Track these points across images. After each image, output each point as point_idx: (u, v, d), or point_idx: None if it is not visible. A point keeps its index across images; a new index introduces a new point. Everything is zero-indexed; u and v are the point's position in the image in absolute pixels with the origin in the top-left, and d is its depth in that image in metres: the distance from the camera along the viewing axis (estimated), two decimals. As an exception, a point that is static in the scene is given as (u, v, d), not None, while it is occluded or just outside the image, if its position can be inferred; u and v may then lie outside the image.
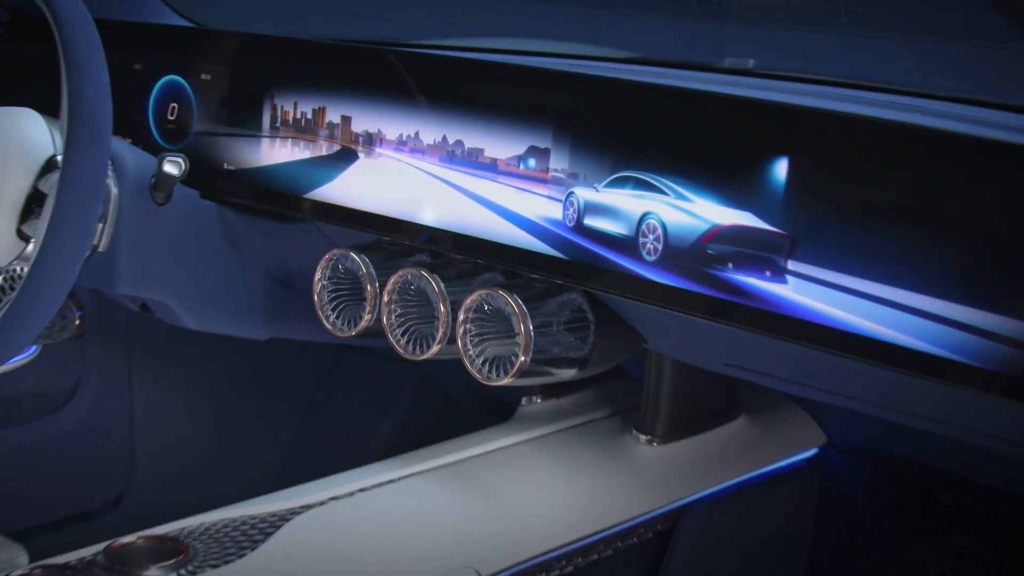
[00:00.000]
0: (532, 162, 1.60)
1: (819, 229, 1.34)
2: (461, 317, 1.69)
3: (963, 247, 1.25)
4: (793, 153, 1.37)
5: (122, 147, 1.85)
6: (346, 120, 1.81)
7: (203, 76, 2.00)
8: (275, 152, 1.90)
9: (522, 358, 1.65)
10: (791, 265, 1.36)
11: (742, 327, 1.43)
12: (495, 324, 1.70)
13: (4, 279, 1.85)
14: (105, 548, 1.58)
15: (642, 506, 1.90)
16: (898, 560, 2.08)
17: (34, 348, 2.38)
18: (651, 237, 1.48)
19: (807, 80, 1.67)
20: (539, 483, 1.86)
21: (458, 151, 1.68)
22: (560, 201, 1.57)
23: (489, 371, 1.69)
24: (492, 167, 1.64)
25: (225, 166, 1.96)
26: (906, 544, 2.07)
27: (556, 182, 1.58)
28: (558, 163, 1.57)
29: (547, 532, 1.80)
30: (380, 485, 1.77)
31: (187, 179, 1.84)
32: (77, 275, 1.60)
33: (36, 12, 1.67)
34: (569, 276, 1.60)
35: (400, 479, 1.80)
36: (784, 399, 2.15)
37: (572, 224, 1.56)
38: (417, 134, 1.73)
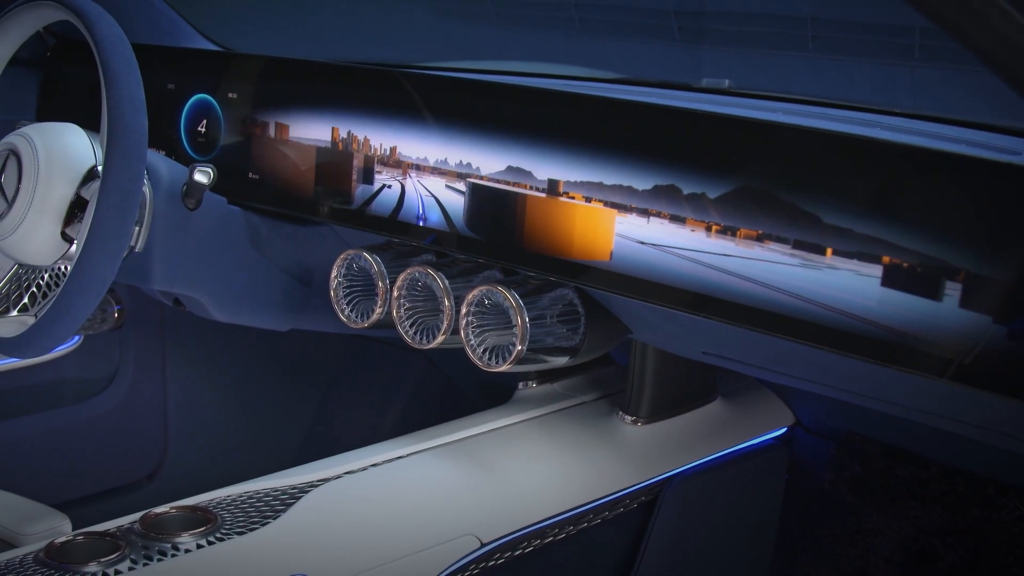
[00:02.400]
0: (519, 171, 1.60)
1: (789, 230, 1.35)
2: (463, 310, 1.69)
3: (917, 246, 1.26)
4: (765, 163, 1.38)
5: (157, 158, 1.85)
6: (359, 134, 1.81)
7: (230, 95, 2.00)
8: (295, 162, 1.90)
9: (519, 347, 1.65)
10: (761, 263, 1.37)
11: (717, 319, 1.44)
12: (495, 317, 1.71)
13: (50, 276, 1.85)
14: (141, 517, 1.58)
15: (627, 480, 1.91)
16: (860, 529, 2.08)
17: (77, 338, 2.39)
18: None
19: (778, 99, 1.67)
20: (534, 459, 1.86)
21: (460, 161, 1.68)
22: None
23: (489, 359, 1.69)
24: (491, 176, 1.65)
25: (250, 175, 1.96)
26: (867, 515, 2.08)
27: (539, 189, 1.58)
28: (543, 173, 1.58)
29: (541, 503, 1.81)
30: (390, 461, 1.78)
31: (215, 187, 1.84)
32: (116, 273, 1.60)
33: (79, 38, 1.68)
34: (562, 274, 1.60)
35: (408, 455, 1.80)
36: (756, 383, 2.15)
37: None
38: (423, 146, 1.73)
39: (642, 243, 1.49)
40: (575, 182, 1.55)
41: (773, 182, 1.37)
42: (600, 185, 1.52)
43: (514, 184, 1.61)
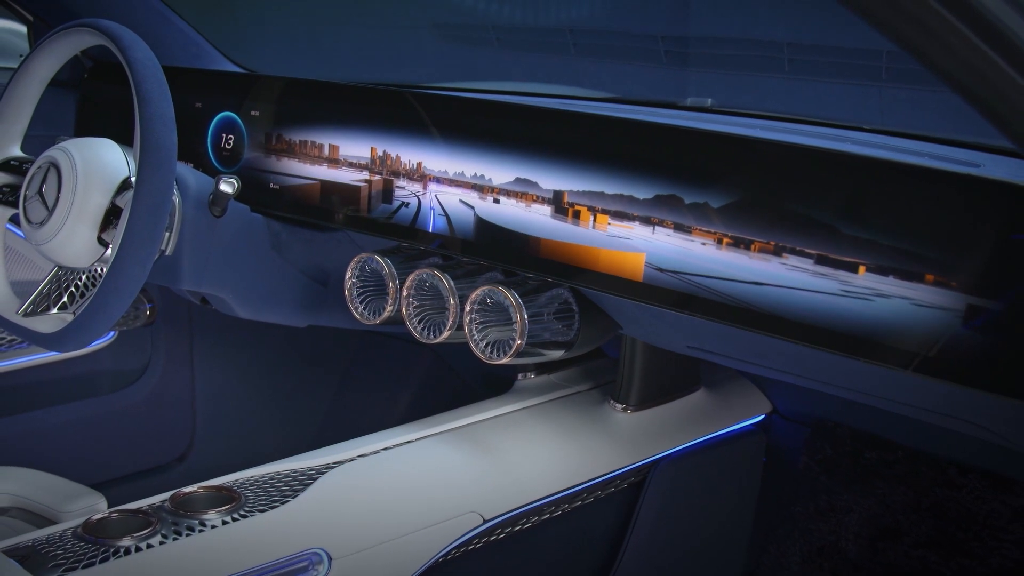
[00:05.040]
0: (526, 182, 1.60)
1: (765, 235, 1.35)
2: (467, 308, 1.69)
3: (883, 251, 1.26)
4: (745, 174, 1.38)
5: (185, 170, 1.85)
6: (370, 148, 1.81)
7: (252, 112, 2.00)
8: (312, 174, 1.90)
9: (518, 342, 1.66)
10: (741, 266, 1.37)
11: (701, 316, 1.44)
12: (496, 314, 1.71)
13: (87, 278, 1.85)
14: (171, 496, 1.58)
15: (618, 462, 1.91)
16: (831, 507, 2.09)
17: (112, 333, 2.40)
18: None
19: (756, 116, 1.68)
20: (532, 444, 1.86)
21: (465, 172, 1.68)
22: (549, 214, 1.58)
23: (491, 352, 1.70)
24: (493, 186, 1.65)
25: (271, 186, 1.96)
26: (838, 494, 2.08)
27: (545, 199, 1.58)
28: (548, 183, 1.58)
29: (539, 483, 1.81)
30: (400, 445, 1.78)
31: (239, 196, 1.84)
32: (148, 274, 1.60)
33: (114, 60, 1.68)
34: (558, 275, 1.60)
35: (416, 440, 1.80)
36: (736, 374, 2.15)
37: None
38: (430, 159, 1.73)
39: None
40: (578, 191, 1.54)
41: (752, 191, 1.37)
42: (602, 195, 1.52)
43: (522, 195, 1.61)
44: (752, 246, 1.36)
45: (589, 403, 1.99)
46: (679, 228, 1.43)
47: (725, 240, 1.38)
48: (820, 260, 1.31)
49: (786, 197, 1.34)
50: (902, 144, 1.47)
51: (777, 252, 1.34)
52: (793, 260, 1.33)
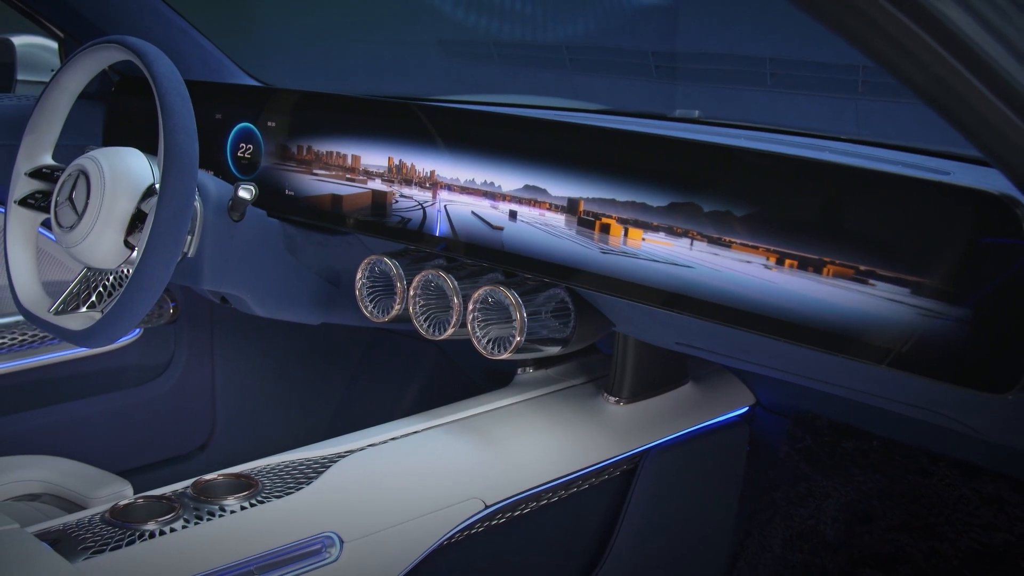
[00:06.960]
0: (524, 189, 1.60)
1: (750, 238, 1.35)
2: (470, 307, 1.69)
3: (859, 251, 1.26)
4: (730, 181, 1.38)
5: (206, 177, 1.85)
6: (379, 156, 1.81)
7: (269, 123, 2.00)
8: (325, 182, 1.90)
9: (518, 338, 1.66)
10: (728, 267, 1.37)
11: (688, 315, 1.44)
12: (497, 312, 1.71)
13: (114, 278, 1.85)
14: (193, 483, 1.59)
15: (611, 451, 1.90)
16: (811, 493, 2.08)
17: (138, 330, 2.40)
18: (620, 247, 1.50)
19: (740, 127, 1.68)
20: (531, 434, 1.86)
21: (468, 181, 1.68)
22: (570, 224, 1.58)
23: (492, 348, 1.70)
24: (494, 193, 1.65)
25: (287, 192, 1.96)
26: (817, 481, 2.08)
27: (558, 207, 1.58)
28: (556, 191, 1.57)
29: (537, 471, 1.81)
30: (406, 435, 1.78)
31: (257, 202, 1.84)
32: (171, 275, 1.60)
33: (140, 75, 1.68)
34: (554, 276, 1.60)
35: (422, 430, 1.80)
36: (722, 369, 2.15)
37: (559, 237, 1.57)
38: (436, 167, 1.73)
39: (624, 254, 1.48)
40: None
41: (738, 197, 1.37)
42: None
43: (533, 203, 1.61)
44: (734, 247, 1.36)
45: (584, 396, 1.99)
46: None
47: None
48: (801, 261, 1.30)
49: (769, 203, 1.34)
50: (877, 153, 1.47)
51: (757, 254, 1.34)
52: (775, 263, 1.33)
